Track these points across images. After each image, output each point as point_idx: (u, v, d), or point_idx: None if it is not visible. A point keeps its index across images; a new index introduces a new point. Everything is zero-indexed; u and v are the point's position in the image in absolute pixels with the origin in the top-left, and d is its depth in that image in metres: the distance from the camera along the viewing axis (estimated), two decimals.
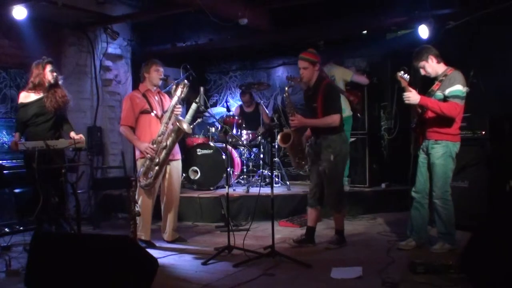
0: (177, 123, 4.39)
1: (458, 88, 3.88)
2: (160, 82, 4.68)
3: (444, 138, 3.98)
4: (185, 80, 4.63)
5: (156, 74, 4.59)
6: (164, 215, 4.73)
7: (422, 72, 4.08)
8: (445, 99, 3.91)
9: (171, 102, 4.52)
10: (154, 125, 4.53)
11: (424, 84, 4.20)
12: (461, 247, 3.77)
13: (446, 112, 3.86)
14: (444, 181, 4.01)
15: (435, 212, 4.08)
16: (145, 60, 4.75)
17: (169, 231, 4.70)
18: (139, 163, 4.54)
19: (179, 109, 4.51)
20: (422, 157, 4.16)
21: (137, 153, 4.59)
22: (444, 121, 3.94)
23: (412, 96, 3.90)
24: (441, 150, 3.98)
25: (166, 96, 4.81)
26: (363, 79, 6.23)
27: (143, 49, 7.16)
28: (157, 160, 4.40)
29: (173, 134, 4.42)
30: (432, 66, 4.02)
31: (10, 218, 5.21)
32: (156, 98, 4.67)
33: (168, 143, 4.40)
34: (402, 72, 3.95)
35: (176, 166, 4.69)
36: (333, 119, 4.22)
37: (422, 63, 4.03)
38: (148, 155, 4.39)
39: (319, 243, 4.52)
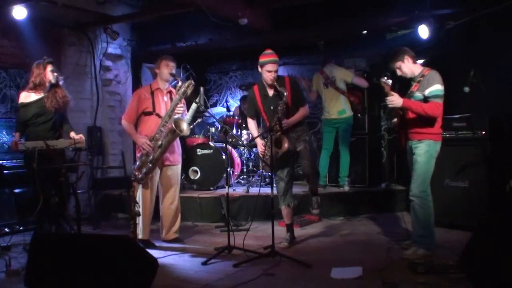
0: (173, 125, 4.34)
1: (437, 87, 3.86)
2: (170, 78, 4.60)
3: (427, 138, 3.95)
4: (191, 79, 4.58)
5: (165, 69, 4.55)
6: (163, 216, 4.72)
7: (398, 72, 4.07)
8: (425, 99, 3.89)
9: (173, 100, 4.49)
10: (156, 124, 4.50)
11: (400, 88, 4.22)
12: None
13: (429, 112, 3.84)
14: (423, 180, 3.93)
15: (412, 211, 4.01)
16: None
17: (169, 231, 4.70)
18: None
19: (181, 108, 4.47)
20: (410, 158, 4.16)
21: (137, 153, 4.60)
22: (425, 121, 3.93)
23: (395, 100, 3.88)
24: (424, 148, 3.95)
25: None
26: (363, 82, 6.24)
27: (143, 49, 7.14)
28: (151, 157, 4.40)
29: (169, 134, 4.40)
30: (409, 66, 4.02)
31: (10, 218, 5.20)
32: (165, 98, 4.63)
33: (163, 142, 4.39)
34: (385, 77, 3.91)
35: (175, 171, 4.69)
36: (307, 110, 4.48)
37: (399, 64, 4.03)
38: (145, 150, 4.40)
39: (317, 241, 4.52)
